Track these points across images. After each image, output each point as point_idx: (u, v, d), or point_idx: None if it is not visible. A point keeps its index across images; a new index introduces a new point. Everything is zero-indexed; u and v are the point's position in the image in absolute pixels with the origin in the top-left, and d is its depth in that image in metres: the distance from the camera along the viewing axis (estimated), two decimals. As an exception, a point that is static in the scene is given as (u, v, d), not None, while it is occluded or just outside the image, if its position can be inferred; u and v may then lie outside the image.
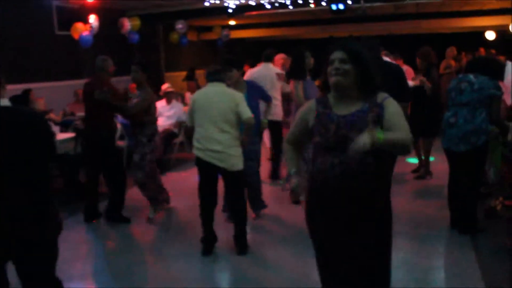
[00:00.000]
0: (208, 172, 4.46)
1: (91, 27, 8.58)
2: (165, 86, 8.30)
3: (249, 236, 4.76)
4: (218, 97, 4.40)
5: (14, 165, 2.49)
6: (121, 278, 4.20)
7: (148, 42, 10.95)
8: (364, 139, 2.23)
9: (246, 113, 4.37)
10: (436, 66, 6.83)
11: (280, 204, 5.91)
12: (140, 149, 5.32)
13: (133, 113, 5.22)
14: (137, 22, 10.00)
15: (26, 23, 8.26)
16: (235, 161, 4.42)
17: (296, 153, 2.81)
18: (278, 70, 6.73)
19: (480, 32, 13.75)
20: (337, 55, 2.45)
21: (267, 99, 5.54)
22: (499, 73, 4.91)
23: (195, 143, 4.47)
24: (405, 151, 2.42)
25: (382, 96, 2.50)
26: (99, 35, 8.86)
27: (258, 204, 5.56)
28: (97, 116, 5.29)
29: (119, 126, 6.64)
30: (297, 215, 5.48)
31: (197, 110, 4.43)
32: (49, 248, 2.73)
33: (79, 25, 8.52)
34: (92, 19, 8.62)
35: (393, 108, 2.46)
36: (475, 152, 4.56)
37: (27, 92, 7.53)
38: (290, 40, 15.72)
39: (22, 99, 6.35)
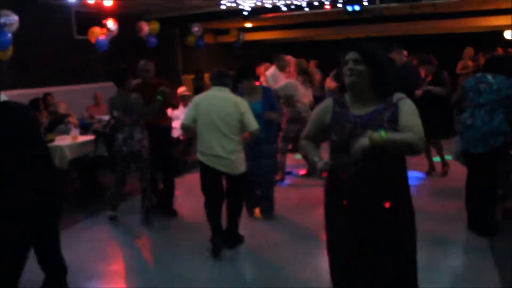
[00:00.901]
0: (212, 175, 4.47)
1: (108, 31, 8.69)
2: (181, 89, 8.35)
3: (260, 237, 4.81)
4: (223, 103, 4.36)
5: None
6: (137, 277, 4.27)
7: (165, 45, 11.05)
8: (364, 140, 2.28)
9: (253, 125, 4.37)
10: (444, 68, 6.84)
11: (289, 205, 5.94)
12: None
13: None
14: (155, 25, 10.11)
15: (46, 28, 8.42)
16: (238, 165, 4.44)
17: (314, 146, 2.79)
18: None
19: (498, 31, 13.59)
20: (351, 55, 2.47)
21: (274, 109, 5.47)
22: None
23: (198, 147, 4.48)
24: (413, 152, 2.40)
25: (398, 96, 2.51)
26: (117, 39, 8.98)
27: (270, 206, 5.57)
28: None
29: None
30: (306, 215, 5.53)
31: (201, 115, 4.40)
32: None
33: (96, 29, 8.65)
34: (110, 23, 8.73)
35: (406, 108, 2.46)
36: (493, 154, 4.52)
37: (45, 96, 7.70)
38: (306, 42, 15.73)
39: (34, 105, 6.48)
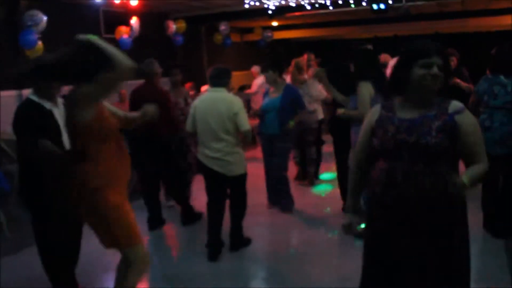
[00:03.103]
0: (212, 177, 4.49)
1: (131, 29, 8.85)
2: (204, 88, 8.46)
3: (280, 235, 4.85)
4: (217, 104, 4.37)
5: None
6: (152, 270, 4.32)
7: (191, 44, 11.18)
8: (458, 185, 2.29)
9: (245, 125, 4.35)
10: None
11: (307, 205, 5.95)
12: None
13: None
14: (182, 24, 10.23)
15: (75, 27, 8.63)
16: (234, 167, 4.42)
17: (361, 181, 2.65)
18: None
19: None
20: (437, 60, 2.32)
21: (300, 107, 5.57)
22: None
23: (198, 148, 4.54)
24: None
25: (455, 106, 2.38)
26: (142, 37, 9.13)
27: (288, 202, 5.60)
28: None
29: None
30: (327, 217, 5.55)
31: (198, 118, 4.46)
32: None
33: (122, 28, 8.82)
34: (133, 21, 8.89)
35: (470, 127, 2.35)
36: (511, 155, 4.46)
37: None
38: (334, 40, 15.64)
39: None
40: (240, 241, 4.73)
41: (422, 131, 2.29)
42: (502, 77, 4.52)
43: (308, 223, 5.51)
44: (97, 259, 4.44)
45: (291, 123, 5.51)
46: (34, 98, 3.38)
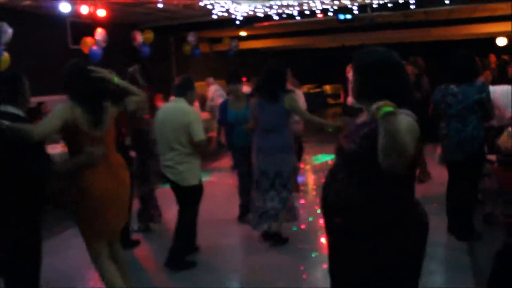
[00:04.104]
0: (172, 187, 4.52)
1: (97, 40, 8.83)
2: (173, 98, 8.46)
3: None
4: (174, 114, 4.37)
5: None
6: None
7: (160, 54, 11.20)
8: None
9: (198, 135, 4.30)
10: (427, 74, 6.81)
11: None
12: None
13: None
14: (149, 35, 10.26)
15: (42, 38, 8.56)
16: (186, 176, 4.39)
17: None
18: None
19: (491, 38, 13.70)
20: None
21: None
22: (476, 71, 4.67)
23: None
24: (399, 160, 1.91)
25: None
26: (110, 48, 9.11)
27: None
28: None
29: None
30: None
31: (157, 127, 4.51)
32: None
33: (88, 39, 8.79)
34: (98, 33, 8.87)
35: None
36: (470, 160, 4.60)
37: (39, 105, 7.81)
38: (301, 50, 15.85)
39: (35, 112, 6.58)
40: (176, 262, 4.52)
41: (352, 138, 2.21)
42: (453, 86, 4.61)
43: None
44: (69, 274, 4.37)
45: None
46: (11, 109, 3.28)
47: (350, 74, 7.16)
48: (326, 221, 2.35)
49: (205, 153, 4.68)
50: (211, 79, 11.10)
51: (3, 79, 3.30)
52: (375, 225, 2.15)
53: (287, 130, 4.96)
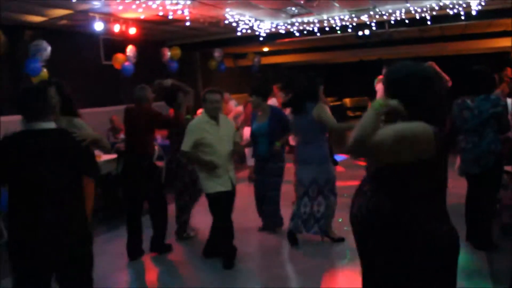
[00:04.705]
0: None
1: (127, 56, 9.32)
2: (200, 111, 8.84)
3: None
4: None
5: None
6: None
7: (186, 69, 11.64)
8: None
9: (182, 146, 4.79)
10: None
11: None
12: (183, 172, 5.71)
13: None
14: (177, 51, 10.69)
15: (77, 55, 9.08)
16: (201, 184, 4.87)
17: None
18: None
19: (507, 52, 13.88)
20: None
21: (286, 129, 5.76)
22: (491, 85, 4.80)
23: None
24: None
25: None
26: (140, 64, 9.60)
27: (274, 222, 5.83)
28: (138, 140, 5.25)
29: (157, 148, 6.97)
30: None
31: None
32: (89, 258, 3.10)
33: (119, 56, 9.30)
34: (129, 49, 9.37)
35: None
36: (487, 174, 4.68)
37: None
38: (321, 65, 16.13)
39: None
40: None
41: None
42: (468, 101, 4.68)
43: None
44: (101, 279, 4.18)
45: (278, 144, 5.69)
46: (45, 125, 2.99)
47: (378, 87, 7.29)
48: (353, 232, 2.45)
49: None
50: (227, 95, 10.74)
51: (27, 95, 2.98)
52: (392, 239, 2.21)
53: (323, 140, 5.20)
